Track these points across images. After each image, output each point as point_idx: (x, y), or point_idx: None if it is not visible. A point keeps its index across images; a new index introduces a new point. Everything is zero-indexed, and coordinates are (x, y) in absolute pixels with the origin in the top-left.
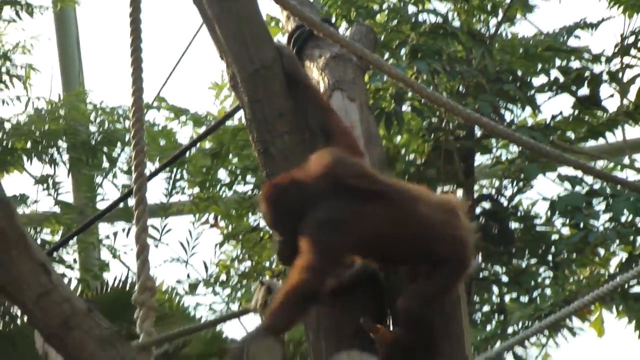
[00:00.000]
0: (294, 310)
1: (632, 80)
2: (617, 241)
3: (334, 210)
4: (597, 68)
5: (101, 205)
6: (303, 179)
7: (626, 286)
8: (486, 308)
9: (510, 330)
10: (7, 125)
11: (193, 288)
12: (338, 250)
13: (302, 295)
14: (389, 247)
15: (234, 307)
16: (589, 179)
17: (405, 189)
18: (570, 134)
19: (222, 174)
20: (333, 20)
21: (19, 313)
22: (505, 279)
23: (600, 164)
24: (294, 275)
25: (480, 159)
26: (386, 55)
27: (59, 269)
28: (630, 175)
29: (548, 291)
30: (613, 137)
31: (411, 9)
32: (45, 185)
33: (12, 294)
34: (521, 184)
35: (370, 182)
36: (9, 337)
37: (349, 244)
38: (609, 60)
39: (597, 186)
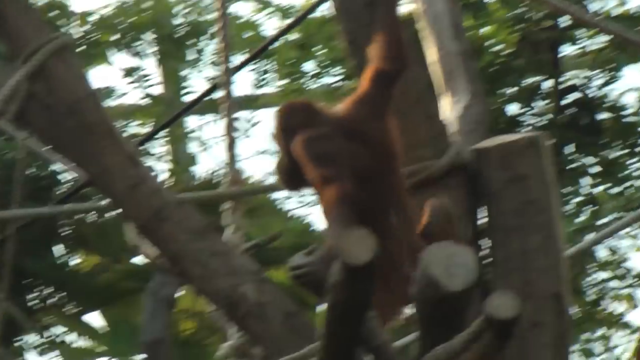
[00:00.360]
0: (345, 221)
1: None
2: None
3: (324, 133)
4: None
5: (189, 98)
6: (320, 109)
7: None
8: (577, 199)
9: (601, 221)
10: (93, 18)
11: None
12: (331, 158)
13: (342, 206)
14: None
15: None
16: None
17: (398, 191)
18: None
19: (310, 66)
20: None
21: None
22: (595, 170)
23: None
24: (324, 201)
25: (566, 50)
26: None
27: (148, 161)
28: None
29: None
30: None
31: None
32: (133, 78)
33: (102, 186)
34: (610, 74)
35: (366, 136)
36: (102, 228)
37: (337, 159)
38: None
39: None
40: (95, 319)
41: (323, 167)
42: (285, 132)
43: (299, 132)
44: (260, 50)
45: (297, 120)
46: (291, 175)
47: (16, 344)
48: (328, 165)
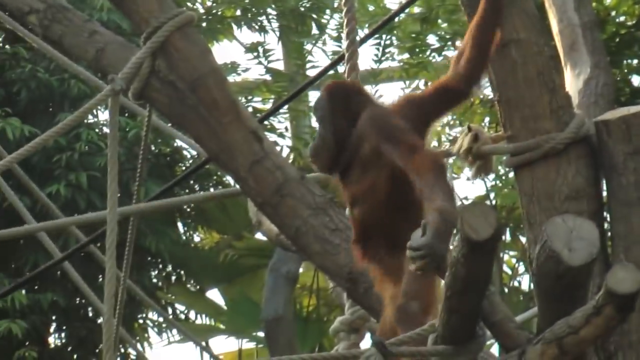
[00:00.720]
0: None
1: None
2: None
3: (386, 109)
4: None
5: (311, 73)
6: (369, 95)
7: None
8: None
9: None
10: None
11: None
12: (411, 130)
13: (439, 169)
14: None
15: None
16: None
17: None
18: None
19: (432, 39)
20: None
21: (231, 182)
22: None
23: None
24: (417, 167)
25: None
26: None
27: (271, 137)
28: None
29: None
30: None
31: None
32: (255, 53)
33: (225, 162)
34: None
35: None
36: (223, 205)
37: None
38: None
39: None
40: (215, 296)
41: (411, 136)
42: (335, 111)
43: (354, 112)
44: (383, 23)
45: (351, 101)
46: (332, 156)
47: (140, 321)
48: (413, 135)
